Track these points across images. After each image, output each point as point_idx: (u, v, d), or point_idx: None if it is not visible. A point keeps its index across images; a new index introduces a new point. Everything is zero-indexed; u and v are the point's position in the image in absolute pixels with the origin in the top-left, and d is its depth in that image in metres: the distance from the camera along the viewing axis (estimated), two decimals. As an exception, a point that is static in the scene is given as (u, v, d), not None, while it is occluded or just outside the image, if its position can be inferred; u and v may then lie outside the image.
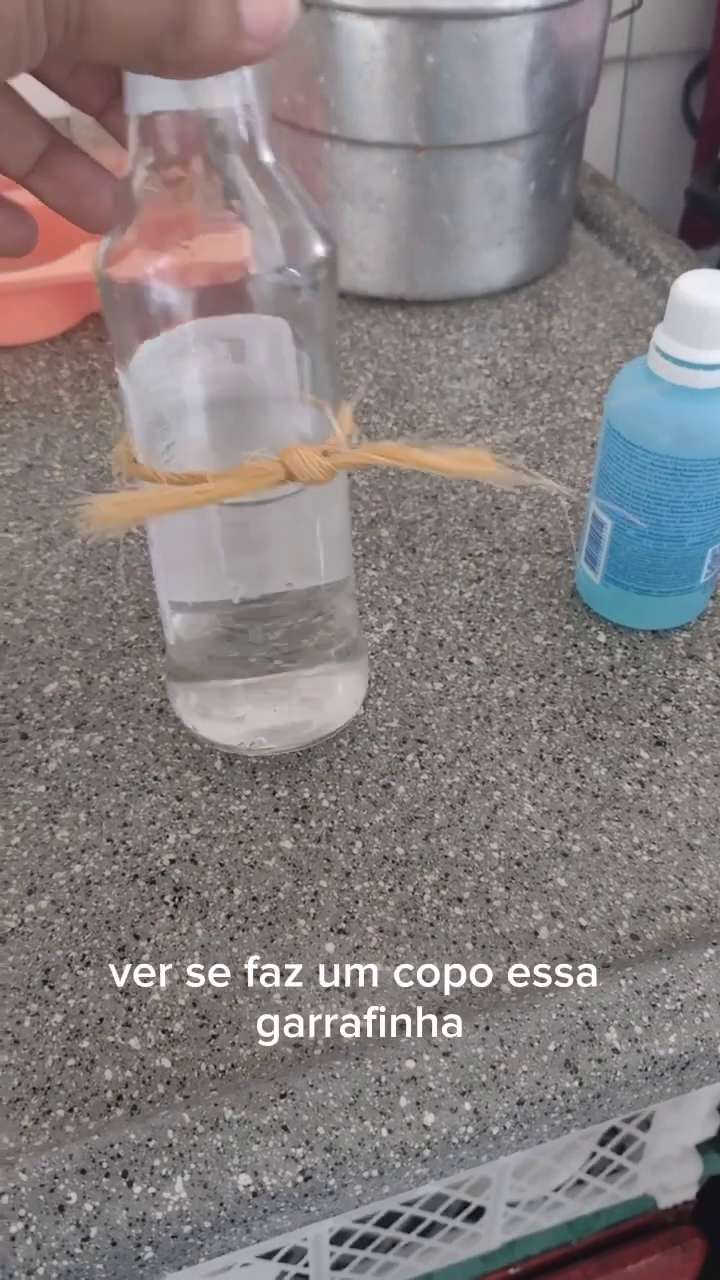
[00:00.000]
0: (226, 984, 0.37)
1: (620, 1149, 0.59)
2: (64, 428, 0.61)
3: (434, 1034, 0.35)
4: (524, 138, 0.67)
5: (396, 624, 0.50)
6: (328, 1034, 0.36)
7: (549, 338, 0.69)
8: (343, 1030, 0.36)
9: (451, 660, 0.49)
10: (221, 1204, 0.31)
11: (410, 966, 0.38)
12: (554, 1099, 0.34)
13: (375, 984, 0.37)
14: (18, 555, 0.53)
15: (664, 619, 0.50)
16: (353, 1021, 0.36)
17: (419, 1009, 0.37)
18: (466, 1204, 0.58)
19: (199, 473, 0.35)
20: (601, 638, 0.50)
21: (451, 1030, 0.35)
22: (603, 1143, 0.58)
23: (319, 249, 0.35)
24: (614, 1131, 0.57)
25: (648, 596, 0.48)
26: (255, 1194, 0.31)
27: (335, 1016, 0.36)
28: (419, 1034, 0.35)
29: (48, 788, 0.43)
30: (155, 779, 0.44)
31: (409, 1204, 0.56)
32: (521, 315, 0.72)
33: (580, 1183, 0.61)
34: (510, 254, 0.71)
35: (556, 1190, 0.61)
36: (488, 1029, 0.35)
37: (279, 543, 0.39)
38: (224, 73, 0.27)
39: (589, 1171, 0.60)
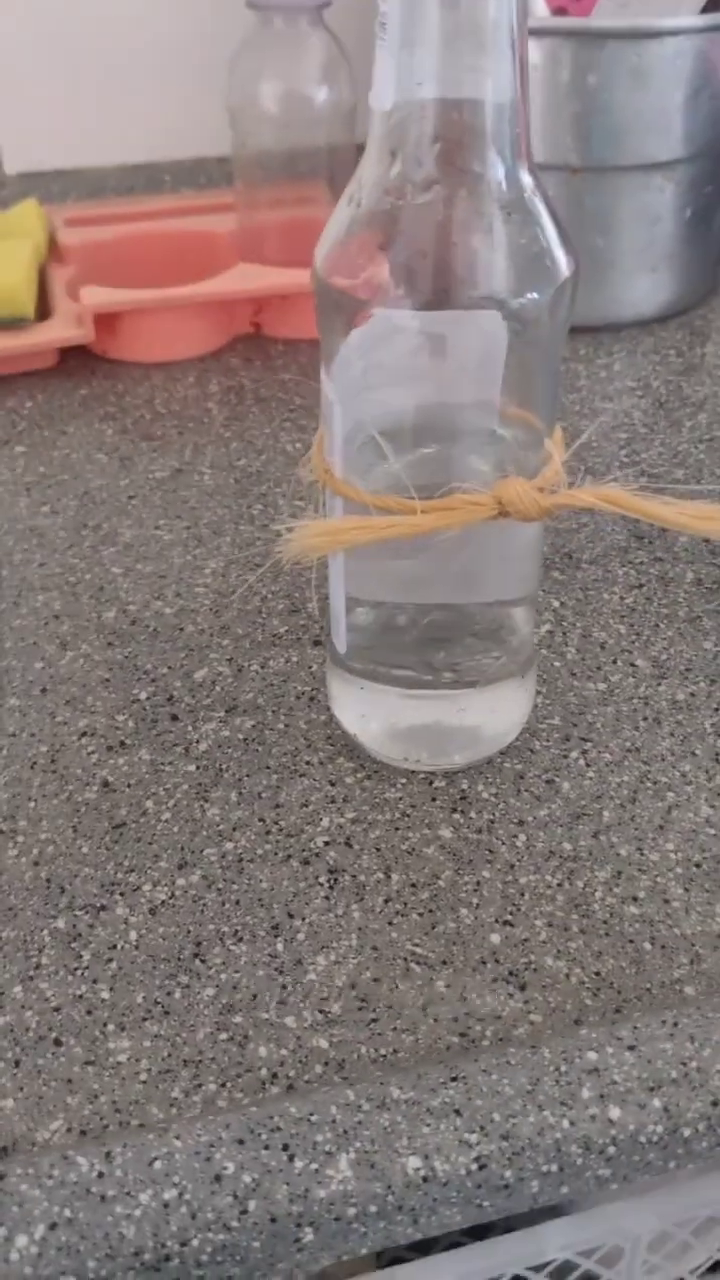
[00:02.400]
0: (386, 968, 0.35)
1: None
2: (212, 436, 0.61)
3: (616, 1028, 0.32)
4: (681, 161, 0.66)
5: (555, 625, 0.48)
6: (498, 1024, 0.33)
7: (703, 363, 0.68)
8: (514, 1020, 0.33)
9: (615, 662, 0.46)
10: (390, 1187, 0.29)
11: (585, 962, 0.35)
12: (754, 1102, 0.30)
13: (547, 977, 0.35)
14: (168, 550, 0.53)
15: None
16: (524, 1012, 0.34)
17: (594, 1004, 0.34)
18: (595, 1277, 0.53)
19: (409, 501, 0.34)
20: (775, 645, 0.47)
21: (636, 1025, 0.32)
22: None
23: (562, 270, 0.33)
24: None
25: None
26: (426, 1179, 0.29)
27: (505, 1007, 0.34)
28: (599, 1027, 0.32)
29: (198, 767, 0.42)
30: (307, 763, 0.42)
31: (537, 1269, 0.52)
32: (674, 342, 0.70)
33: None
34: (663, 281, 0.70)
35: (694, 1272, 0.56)
36: (676, 1024, 0.32)
37: (473, 554, 0.37)
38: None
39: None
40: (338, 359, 0.34)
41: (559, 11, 0.75)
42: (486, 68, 0.31)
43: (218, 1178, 0.28)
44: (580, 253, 0.67)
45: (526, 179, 0.32)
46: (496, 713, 0.41)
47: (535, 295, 0.33)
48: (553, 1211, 0.40)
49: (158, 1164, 0.29)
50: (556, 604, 0.49)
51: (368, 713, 0.41)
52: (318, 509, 0.38)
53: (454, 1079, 0.31)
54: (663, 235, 0.68)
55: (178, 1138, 0.29)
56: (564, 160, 0.65)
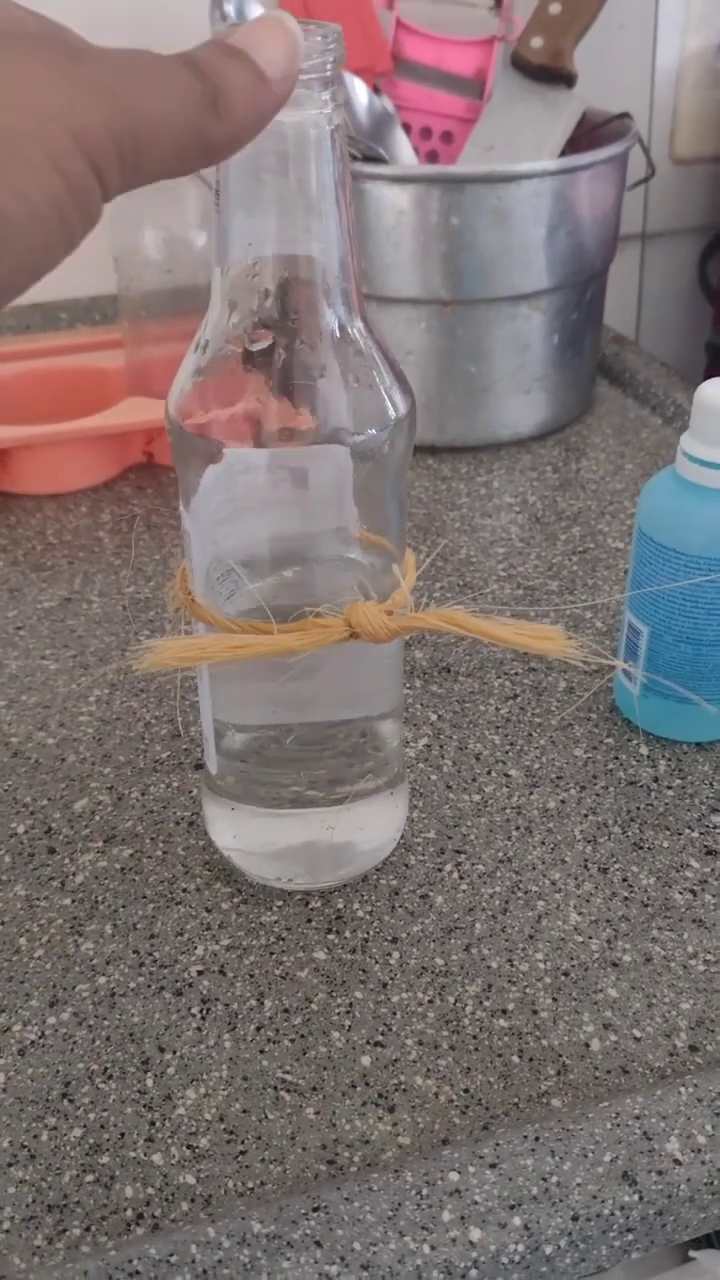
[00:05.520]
0: (256, 1097, 0.35)
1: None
2: (103, 564, 0.62)
3: (479, 1146, 0.32)
4: (546, 292, 0.70)
5: (432, 739, 0.49)
6: (365, 1149, 0.33)
7: (578, 478, 0.71)
8: (382, 1144, 0.33)
9: (489, 773, 0.48)
10: (248, 1327, 0.28)
11: (453, 1079, 0.35)
12: (612, 1215, 0.31)
13: (416, 1097, 0.35)
14: (53, 680, 0.53)
15: (708, 730, 0.48)
16: (393, 1135, 0.34)
17: (462, 1122, 0.34)
18: None
19: (264, 624, 0.35)
20: (644, 750, 0.48)
21: (498, 1142, 0.32)
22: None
23: (398, 409, 0.35)
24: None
25: (689, 705, 0.47)
26: (285, 1317, 0.29)
27: (374, 1131, 0.34)
28: (462, 1146, 0.32)
29: (74, 900, 0.42)
30: (184, 891, 0.42)
31: None
32: (550, 459, 0.73)
33: None
34: (537, 402, 0.73)
35: None
36: (538, 1139, 0.32)
37: (331, 674, 0.38)
38: (263, 127, 0.27)
39: None
40: (195, 497, 0.36)
41: (430, 157, 0.80)
42: (314, 228, 0.33)
43: (71, 1329, 0.28)
44: (453, 380, 0.71)
45: (360, 326, 0.35)
46: (365, 830, 0.42)
47: (374, 432, 0.35)
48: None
49: (10, 1319, 0.28)
50: (434, 717, 0.51)
51: (240, 834, 0.42)
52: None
53: (316, 1209, 0.30)
54: (533, 360, 0.72)
55: (32, 1289, 0.29)
56: (435, 295, 0.68)
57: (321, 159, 0.32)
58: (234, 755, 0.41)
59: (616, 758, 0.48)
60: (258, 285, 0.34)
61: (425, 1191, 0.31)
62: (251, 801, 0.41)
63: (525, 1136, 0.32)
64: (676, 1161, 0.32)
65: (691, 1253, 0.63)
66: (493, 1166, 0.32)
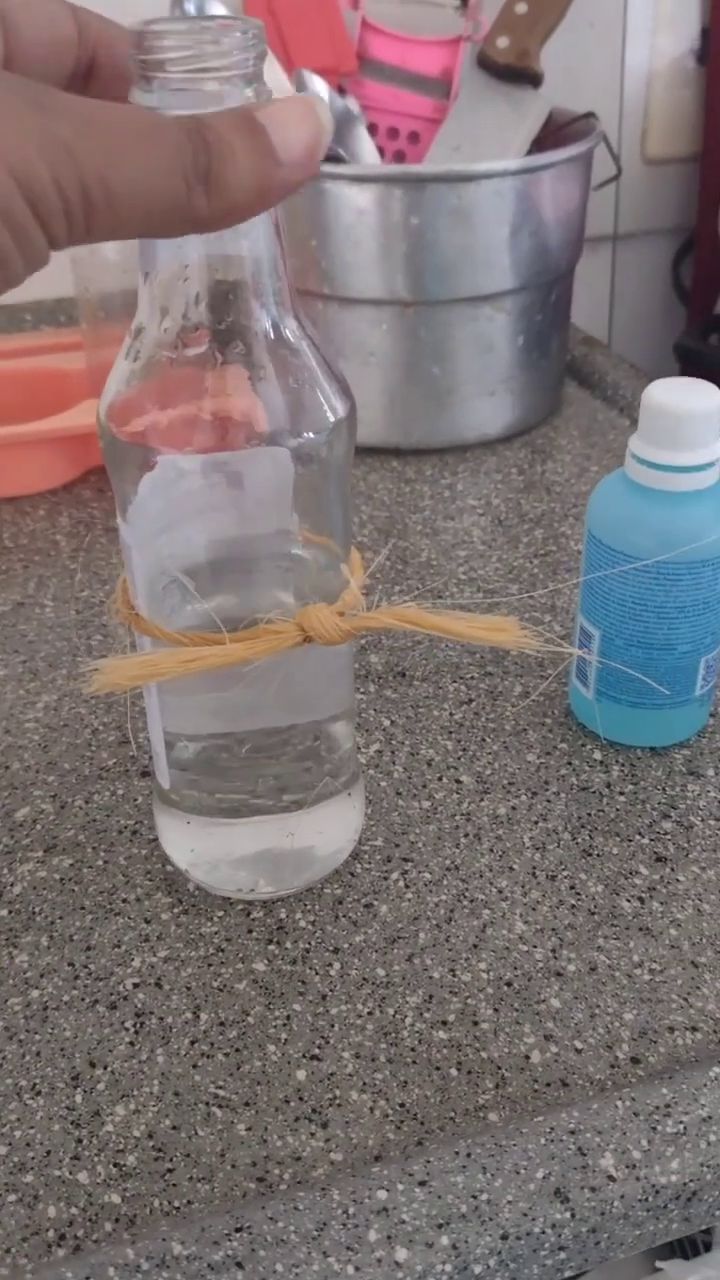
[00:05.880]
0: (187, 1114, 0.34)
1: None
2: (58, 568, 0.62)
3: (409, 1163, 0.31)
4: (510, 293, 0.69)
5: (384, 744, 0.49)
6: (296, 1165, 0.33)
7: (543, 480, 0.70)
8: (314, 1161, 0.33)
9: (440, 779, 0.47)
10: None
11: (388, 1093, 0.35)
12: (543, 1233, 0.30)
13: (350, 1113, 0.34)
14: (1, 686, 0.52)
15: (661, 735, 0.48)
16: (325, 1151, 0.33)
17: (396, 1138, 0.33)
18: None
19: (215, 634, 0.34)
20: (597, 755, 0.48)
21: (429, 1159, 0.31)
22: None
23: (336, 411, 0.35)
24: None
25: (641, 710, 0.46)
26: (201, 1342, 0.28)
27: (306, 1147, 0.33)
28: (393, 1163, 0.32)
29: (10, 911, 0.41)
30: (124, 901, 0.41)
31: None
32: (516, 461, 0.73)
33: None
34: (502, 404, 0.73)
35: None
36: (469, 1155, 0.31)
37: (281, 680, 0.37)
38: (265, 209, 0.26)
39: None
40: (132, 507, 0.35)
41: (397, 157, 0.79)
42: (242, 228, 0.32)
43: None
44: (416, 382, 0.70)
45: (294, 327, 0.34)
46: (325, 833, 0.41)
47: (312, 435, 0.34)
48: None
49: None
50: (387, 723, 0.50)
51: (197, 846, 0.41)
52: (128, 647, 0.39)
53: (239, 1229, 0.30)
54: (498, 362, 0.71)
55: (-58, 1315, 0.28)
56: (397, 296, 0.67)
57: None
58: (186, 766, 0.40)
59: (569, 763, 0.47)
60: (187, 288, 0.33)
61: (352, 1210, 0.30)
62: (206, 812, 0.40)
63: (457, 1153, 0.32)
64: (610, 1178, 0.31)
65: (659, 1263, 0.62)
66: (422, 1184, 0.31)
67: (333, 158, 0.69)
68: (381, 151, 0.77)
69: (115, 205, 0.22)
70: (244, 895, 0.41)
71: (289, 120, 0.25)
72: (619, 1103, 0.33)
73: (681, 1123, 0.32)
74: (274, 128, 0.25)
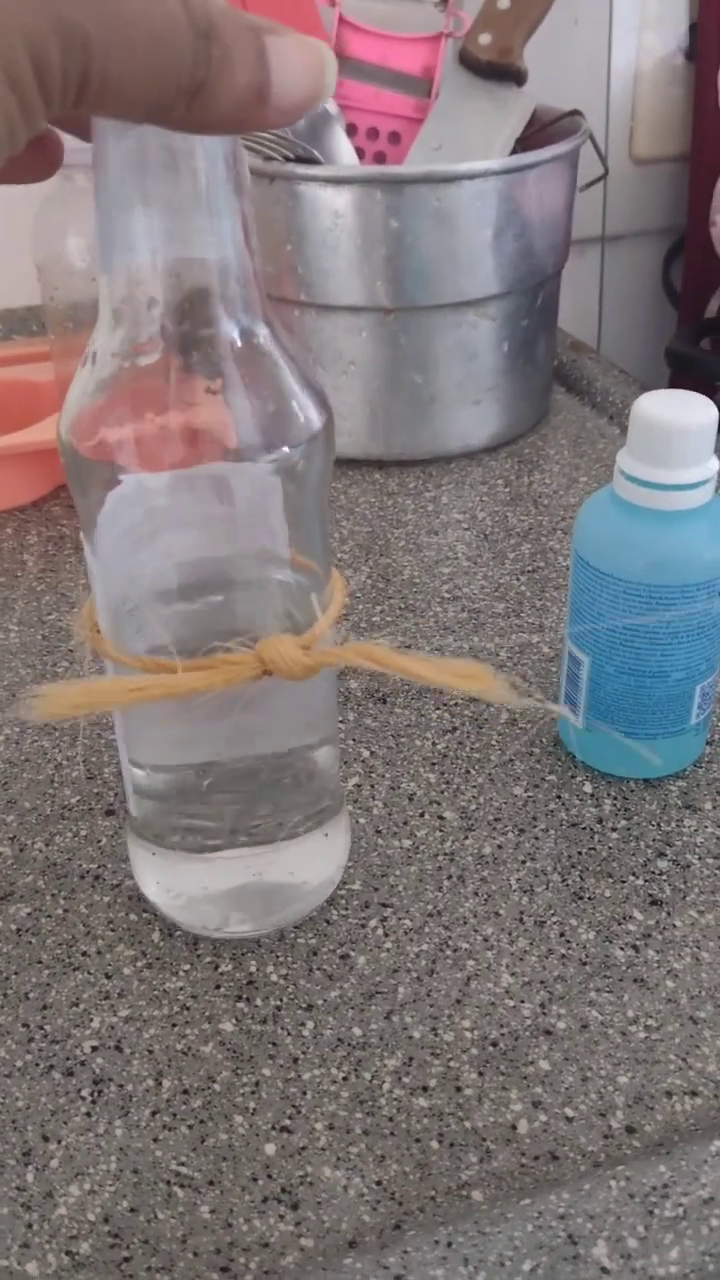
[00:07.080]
0: (146, 1194, 0.31)
1: None
2: (24, 590, 0.59)
3: (385, 1254, 0.29)
4: (493, 299, 0.67)
5: (363, 778, 0.46)
6: (263, 1253, 0.30)
7: (530, 492, 0.68)
8: (282, 1247, 0.30)
9: (422, 815, 0.44)
10: None
11: (364, 1170, 0.32)
12: (530, 1335, 0.27)
13: (323, 1192, 0.31)
14: (-39, 718, 0.50)
15: (655, 766, 0.45)
16: (294, 1236, 0.30)
17: (371, 1220, 0.31)
18: None
19: (168, 661, 0.32)
20: (588, 788, 0.45)
21: (406, 1249, 0.29)
22: None
23: (312, 423, 0.32)
24: None
25: (634, 740, 0.44)
26: None
27: (274, 1232, 0.30)
28: (367, 1254, 0.29)
29: (-37, 966, 0.38)
30: (84, 954, 0.39)
31: None
32: (502, 472, 0.70)
33: None
34: (488, 413, 0.70)
35: None
36: (449, 1245, 0.29)
37: (260, 707, 0.35)
38: (237, 134, 0.24)
39: None
40: (97, 527, 0.33)
41: (378, 158, 0.76)
42: (206, 228, 0.30)
43: None
44: (398, 391, 0.67)
45: (265, 334, 0.31)
46: (305, 867, 0.39)
47: (286, 449, 0.32)
48: None
49: None
50: (366, 754, 0.47)
51: (164, 880, 0.39)
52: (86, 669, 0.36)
53: (197, 1335, 0.27)
54: (482, 369, 0.68)
55: None
56: (376, 302, 0.65)
57: (212, 150, 0.29)
58: (153, 796, 0.37)
59: (558, 796, 0.45)
60: (147, 294, 0.30)
61: (321, 1311, 0.28)
62: (168, 845, 0.38)
63: (437, 1241, 0.29)
64: (604, 1269, 0.28)
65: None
66: (399, 1278, 0.28)
67: (308, 159, 0.66)
68: (361, 153, 0.75)
69: (104, 96, 0.22)
70: (219, 934, 0.39)
71: (294, 65, 0.24)
72: (613, 1182, 0.30)
73: (681, 1205, 0.30)
74: (277, 65, 0.23)
